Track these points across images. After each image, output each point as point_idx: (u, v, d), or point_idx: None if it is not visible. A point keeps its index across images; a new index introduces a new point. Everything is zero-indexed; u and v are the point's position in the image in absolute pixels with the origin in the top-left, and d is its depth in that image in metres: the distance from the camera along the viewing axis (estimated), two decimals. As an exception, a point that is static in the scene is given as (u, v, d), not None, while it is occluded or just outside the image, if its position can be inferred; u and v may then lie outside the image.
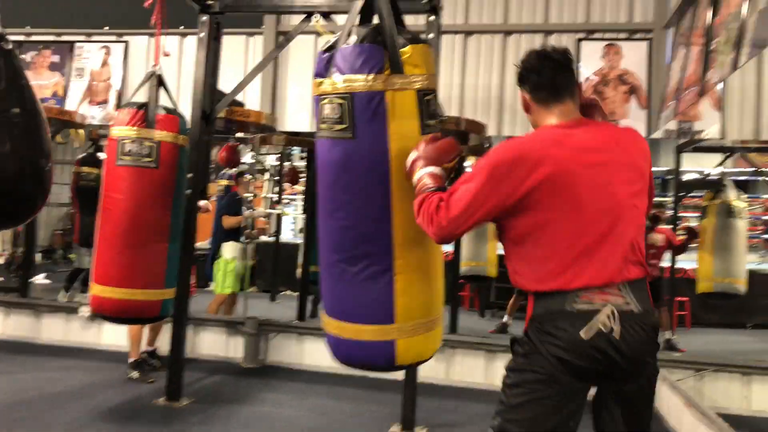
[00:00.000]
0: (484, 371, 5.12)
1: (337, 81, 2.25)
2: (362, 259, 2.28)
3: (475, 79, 5.64)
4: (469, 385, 5.08)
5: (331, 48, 2.32)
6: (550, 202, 1.85)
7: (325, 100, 2.28)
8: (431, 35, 3.87)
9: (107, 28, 6.61)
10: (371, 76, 2.23)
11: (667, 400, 4.43)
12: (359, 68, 2.24)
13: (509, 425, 1.88)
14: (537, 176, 1.83)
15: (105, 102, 6.40)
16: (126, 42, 6.53)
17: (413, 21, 5.61)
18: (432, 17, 3.88)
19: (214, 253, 6.14)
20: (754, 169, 7.78)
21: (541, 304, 1.87)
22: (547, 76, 2.01)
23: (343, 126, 2.24)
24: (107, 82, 6.43)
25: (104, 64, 6.47)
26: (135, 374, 4.73)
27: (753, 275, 7.04)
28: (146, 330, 4.96)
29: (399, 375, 3.95)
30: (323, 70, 2.31)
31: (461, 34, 5.73)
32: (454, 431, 4.05)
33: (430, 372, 5.09)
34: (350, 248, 2.30)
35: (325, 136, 2.29)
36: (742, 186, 8.58)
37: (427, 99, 2.33)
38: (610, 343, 1.78)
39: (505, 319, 6.69)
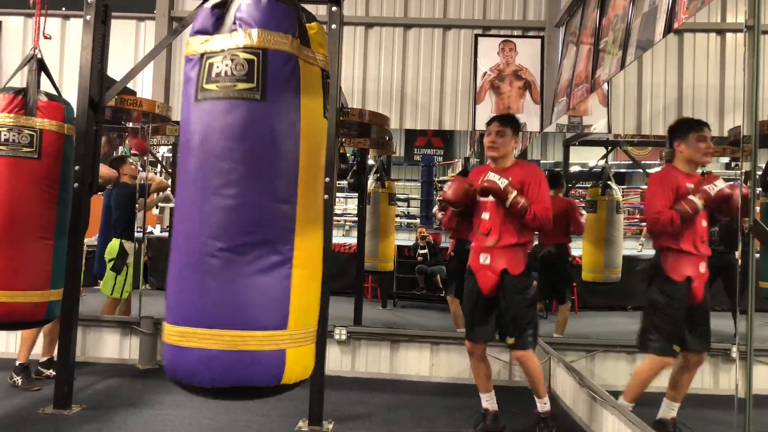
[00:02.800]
0: (389, 361, 5.18)
1: (245, 35, 1.99)
2: (256, 247, 1.94)
3: (376, 72, 5.66)
4: (374, 375, 5.13)
5: (224, 3, 2.07)
6: None
7: (219, 58, 2.00)
8: (333, 26, 3.83)
9: (-23, 6, 6.06)
10: (288, 38, 2.03)
11: (561, 380, 4.68)
12: (276, 26, 2.02)
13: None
14: None
15: (-25, 87, 5.85)
16: (-1, 22, 6.01)
17: (314, 11, 5.58)
18: (334, 8, 3.84)
19: (103, 250, 5.79)
20: (631, 162, 8.34)
21: None
22: None
23: (250, 85, 1.96)
24: (-23, 65, 5.89)
25: (-26, 45, 5.91)
26: (18, 380, 4.39)
27: (631, 261, 7.57)
28: (41, 337, 4.60)
29: (305, 369, 3.91)
30: (211, 26, 2.06)
31: (362, 26, 5.73)
32: (361, 423, 4.06)
33: (335, 365, 5.09)
34: (241, 233, 1.93)
35: (219, 97, 1.97)
36: (622, 178, 9.22)
37: (327, 82, 2.20)
38: None
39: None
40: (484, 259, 3.62)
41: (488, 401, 3.82)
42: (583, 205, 8.34)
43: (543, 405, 3.76)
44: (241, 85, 1.96)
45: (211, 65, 2.00)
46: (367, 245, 6.77)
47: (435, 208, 9.66)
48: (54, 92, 3.80)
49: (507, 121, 3.70)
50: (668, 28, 2.95)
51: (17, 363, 4.44)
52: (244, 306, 1.94)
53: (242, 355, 1.92)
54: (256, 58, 1.97)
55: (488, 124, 3.74)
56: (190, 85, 2.06)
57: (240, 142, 1.94)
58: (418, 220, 10.06)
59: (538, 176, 3.60)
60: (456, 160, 11.72)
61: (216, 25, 2.05)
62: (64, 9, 5.84)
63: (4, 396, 4.22)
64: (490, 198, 3.59)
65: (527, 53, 5.45)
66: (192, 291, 1.97)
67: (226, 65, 1.98)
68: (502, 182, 3.48)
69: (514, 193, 3.47)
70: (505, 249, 3.58)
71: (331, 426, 3.90)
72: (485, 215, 3.64)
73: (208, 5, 2.11)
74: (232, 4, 2.05)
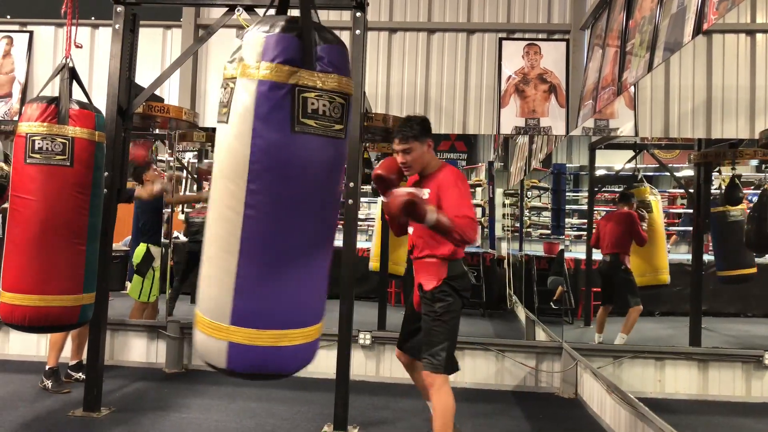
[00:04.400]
0: (414, 367, 5.16)
1: (338, 80, 2.22)
2: (328, 258, 2.33)
3: (400, 77, 5.66)
4: (399, 381, 5.11)
5: (301, 35, 2.17)
6: None
7: (313, 94, 2.17)
8: (358, 31, 3.85)
9: (9, 17, 6.18)
10: (352, 82, 2.34)
11: (589, 386, 4.62)
12: (348, 72, 2.31)
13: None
14: None
15: (8, 96, 5.97)
16: (30, 32, 6.11)
17: (338, 17, 5.61)
18: (359, 13, 3.86)
19: (132, 255, 5.87)
20: (658, 165, 8.23)
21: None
22: None
23: (341, 126, 2.24)
24: (10, 74, 6.01)
25: (6, 55, 6.04)
26: (49, 383, 4.47)
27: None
28: (69, 341, 4.68)
29: (330, 374, 3.92)
30: (299, 60, 2.16)
31: (386, 31, 5.73)
32: (386, 428, 4.05)
33: (359, 369, 5.09)
34: (328, 247, 2.33)
35: (318, 134, 2.19)
36: (649, 181, 9.10)
37: None
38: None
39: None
40: (414, 272, 3.42)
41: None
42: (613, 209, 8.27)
43: None
44: (337, 126, 2.23)
45: (305, 100, 2.17)
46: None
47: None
48: (85, 100, 3.87)
49: (408, 137, 3.25)
50: (697, 30, 2.90)
51: (47, 367, 4.52)
52: (319, 304, 2.35)
53: (312, 345, 2.34)
54: (345, 103, 2.25)
55: (393, 140, 3.34)
56: (280, 112, 2.16)
57: (331, 173, 2.26)
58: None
59: (450, 182, 3.17)
60: (480, 164, 11.66)
61: (302, 59, 2.18)
62: (93, 18, 5.95)
63: (35, 399, 4.30)
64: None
65: (552, 56, 5.41)
66: (281, 297, 2.23)
67: (324, 105, 2.20)
68: (423, 193, 3.06)
69: (433, 209, 2.91)
70: (423, 261, 3.32)
71: (356, 431, 3.90)
72: (410, 229, 3.41)
73: (287, 33, 2.18)
74: (314, 40, 2.20)
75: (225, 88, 2.25)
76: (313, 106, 2.17)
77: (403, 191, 2.90)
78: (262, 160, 2.15)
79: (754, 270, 6.16)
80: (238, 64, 2.20)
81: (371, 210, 11.16)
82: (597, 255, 7.30)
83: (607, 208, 9.19)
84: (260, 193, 2.15)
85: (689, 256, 7.08)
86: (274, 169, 2.16)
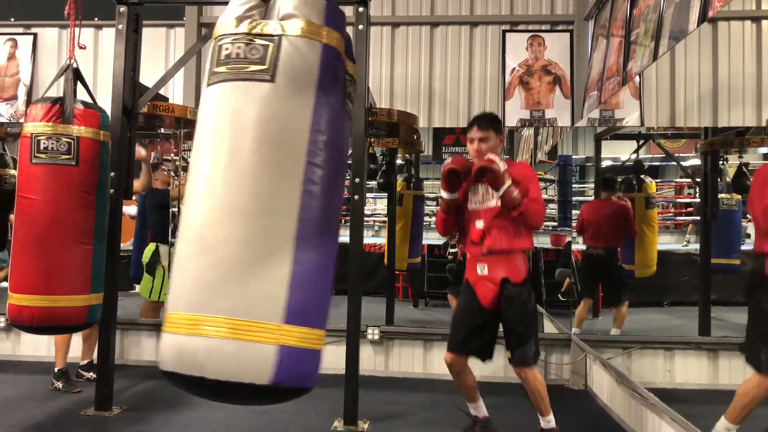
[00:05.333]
0: (423, 361, 5.17)
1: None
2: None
3: (403, 71, 5.65)
4: (408, 375, 5.12)
5: None
6: None
7: (351, 72, 2.24)
8: (361, 26, 3.84)
9: (13, 19, 6.21)
10: None
11: (598, 378, 4.62)
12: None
13: None
14: None
15: (13, 98, 6.00)
16: (35, 34, 6.14)
17: (340, 12, 5.59)
18: (361, 8, 3.85)
19: (138, 255, 5.89)
20: (664, 155, 8.19)
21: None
22: None
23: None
24: (15, 77, 6.04)
25: (11, 57, 6.06)
26: (60, 384, 4.49)
27: (667, 255, 7.44)
28: (80, 341, 4.70)
29: (339, 370, 3.93)
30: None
31: (388, 26, 5.73)
32: (396, 422, 4.06)
33: (368, 365, 5.10)
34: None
35: (348, 111, 2.24)
36: (656, 171, 9.06)
37: None
38: None
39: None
40: (482, 269, 3.36)
41: (476, 409, 3.63)
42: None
43: (547, 423, 3.47)
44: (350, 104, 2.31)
45: (350, 77, 2.27)
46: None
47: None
48: (89, 100, 3.88)
49: (488, 124, 3.44)
50: (702, 17, 2.88)
51: (56, 369, 4.54)
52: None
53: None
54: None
55: (468, 128, 3.50)
56: (337, 84, 2.13)
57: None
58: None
59: (532, 175, 3.39)
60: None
61: (347, 37, 2.29)
62: (96, 19, 5.96)
63: (47, 399, 4.33)
64: (479, 197, 3.40)
65: (556, 48, 5.38)
66: (328, 288, 2.06)
67: (352, 84, 2.34)
68: (502, 165, 3.21)
69: (510, 180, 3.18)
70: (502, 256, 3.33)
71: (366, 426, 3.91)
72: (478, 223, 3.38)
73: (340, 7, 2.23)
74: None
75: (248, 44, 2.03)
76: (351, 85, 2.19)
77: (493, 156, 3.25)
78: (323, 131, 2.01)
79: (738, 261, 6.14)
80: (284, 21, 2.04)
81: (377, 206, 11.16)
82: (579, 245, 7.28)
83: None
84: (319, 167, 1.99)
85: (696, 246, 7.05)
86: (330, 142, 2.04)
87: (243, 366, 1.78)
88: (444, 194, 3.42)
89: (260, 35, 2.02)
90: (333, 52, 2.08)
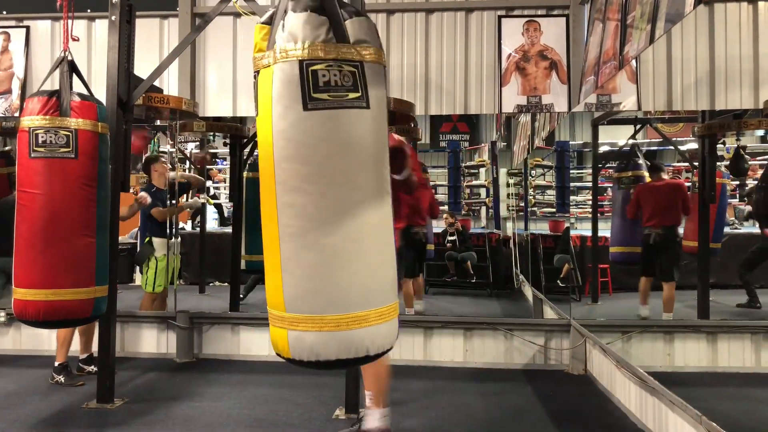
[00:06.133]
0: (423, 348, 5.19)
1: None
2: None
3: (399, 59, 5.61)
4: (409, 362, 5.14)
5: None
6: None
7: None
8: (356, 14, 3.81)
9: (5, 12, 6.15)
10: None
11: (598, 363, 4.63)
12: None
13: None
14: None
15: (7, 92, 5.95)
16: (27, 27, 6.08)
17: None
18: (356, -4, 3.82)
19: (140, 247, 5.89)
20: (662, 139, 8.19)
21: None
22: None
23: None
24: (9, 70, 5.99)
25: (4, 51, 6.01)
26: (61, 378, 4.50)
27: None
28: (77, 335, 4.70)
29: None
30: None
31: (383, 13, 5.68)
32: (398, 409, 4.06)
33: (369, 353, 5.11)
34: None
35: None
36: (653, 156, 9.06)
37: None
38: None
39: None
40: None
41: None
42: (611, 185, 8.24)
43: (378, 419, 3.24)
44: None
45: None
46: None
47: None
48: (86, 92, 3.86)
49: None
50: (698, 0, 2.86)
51: (56, 363, 4.54)
52: None
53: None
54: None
55: None
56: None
57: None
58: (446, 207, 10.01)
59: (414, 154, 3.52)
60: (483, 144, 11.64)
61: None
62: (89, 11, 5.91)
63: (49, 393, 4.34)
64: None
65: (552, 33, 5.35)
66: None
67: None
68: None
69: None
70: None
71: (368, 413, 3.92)
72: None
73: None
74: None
75: (341, 70, 2.25)
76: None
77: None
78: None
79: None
80: (360, 47, 2.28)
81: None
82: (604, 232, 7.30)
83: (608, 185, 9.16)
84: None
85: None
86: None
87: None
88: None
89: (345, 61, 2.26)
90: (384, 70, 2.40)
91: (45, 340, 5.39)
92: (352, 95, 2.25)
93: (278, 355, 2.40)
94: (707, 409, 2.90)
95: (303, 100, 2.22)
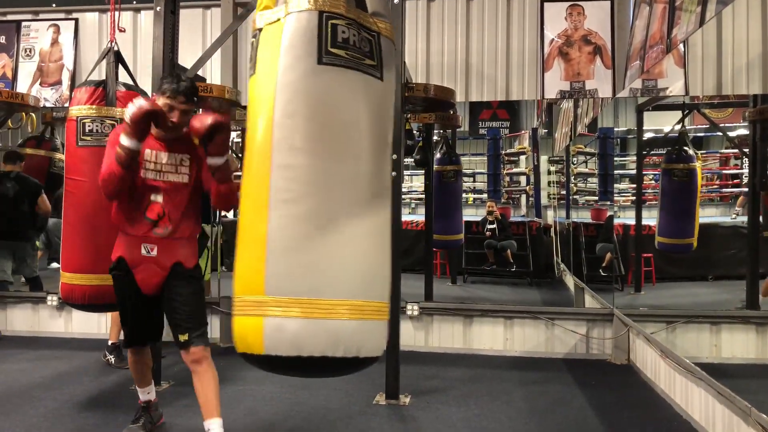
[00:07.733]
0: (463, 336, 5.19)
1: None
2: None
3: (440, 45, 5.57)
4: (448, 350, 5.14)
5: None
6: None
7: None
8: (396, 1, 3.80)
9: (54, 5, 6.32)
10: None
11: (642, 352, 4.56)
12: None
13: None
14: None
15: (58, 83, 6.14)
16: (76, 19, 6.25)
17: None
18: (397, -18, 3.80)
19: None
20: (709, 125, 7.93)
21: None
22: None
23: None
24: (59, 62, 6.17)
25: (54, 43, 6.19)
26: (112, 358, 4.64)
27: (712, 228, 7.25)
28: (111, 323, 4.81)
29: (381, 345, 3.97)
30: None
31: (423, -1, 5.66)
32: (437, 396, 4.08)
33: (408, 340, 5.14)
34: None
35: None
36: (699, 142, 8.80)
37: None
38: None
39: None
40: (148, 250, 2.96)
41: (149, 393, 3.45)
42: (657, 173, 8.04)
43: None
44: None
45: None
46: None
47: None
48: (131, 83, 3.94)
49: (191, 99, 3.00)
50: (752, -21, 2.76)
51: (109, 342, 4.69)
52: None
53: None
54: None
55: (169, 94, 2.91)
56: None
57: None
58: (485, 195, 9.93)
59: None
60: (523, 131, 11.47)
61: None
62: (135, 2, 6.04)
63: (99, 374, 4.49)
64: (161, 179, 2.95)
65: (596, 17, 5.24)
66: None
67: None
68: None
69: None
70: (179, 240, 3.01)
71: (408, 399, 3.95)
72: (157, 197, 2.96)
73: None
74: None
75: (359, 33, 2.14)
76: None
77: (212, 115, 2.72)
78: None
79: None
80: (377, 19, 2.22)
81: (413, 183, 11.15)
82: (649, 220, 7.15)
83: (656, 172, 8.94)
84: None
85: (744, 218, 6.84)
86: None
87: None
88: (128, 141, 2.81)
89: (364, 27, 2.16)
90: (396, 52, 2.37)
91: (94, 324, 5.57)
92: (368, 61, 2.11)
93: (242, 355, 2.11)
94: (757, 402, 2.83)
95: (318, 52, 2.05)
